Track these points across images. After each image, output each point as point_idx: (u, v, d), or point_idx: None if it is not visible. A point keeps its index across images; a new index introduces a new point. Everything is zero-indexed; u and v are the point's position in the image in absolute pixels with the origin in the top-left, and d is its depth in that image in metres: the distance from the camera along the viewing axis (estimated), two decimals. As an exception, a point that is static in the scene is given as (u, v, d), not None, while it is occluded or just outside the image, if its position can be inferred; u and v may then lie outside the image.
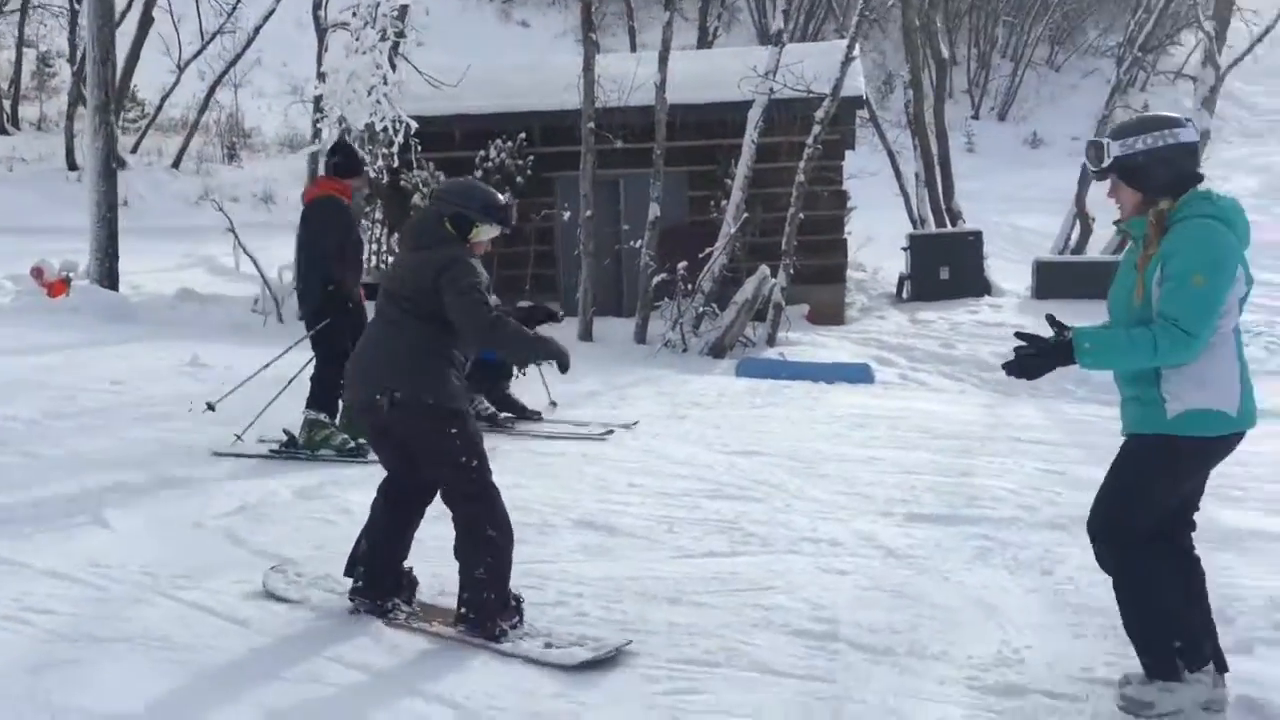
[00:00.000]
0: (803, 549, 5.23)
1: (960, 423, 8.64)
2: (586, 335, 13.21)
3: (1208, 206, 3.41)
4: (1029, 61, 35.30)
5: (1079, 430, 8.72)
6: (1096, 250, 18.49)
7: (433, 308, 3.99)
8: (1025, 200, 27.52)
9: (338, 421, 7.04)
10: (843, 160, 15.94)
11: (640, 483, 6.42)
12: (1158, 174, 3.44)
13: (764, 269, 13.13)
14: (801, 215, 13.81)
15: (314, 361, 7.17)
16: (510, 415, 8.18)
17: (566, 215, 14.52)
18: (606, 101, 13.83)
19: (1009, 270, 19.37)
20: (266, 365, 7.69)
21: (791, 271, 13.77)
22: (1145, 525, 3.51)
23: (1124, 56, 17.66)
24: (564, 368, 4.20)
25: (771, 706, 3.60)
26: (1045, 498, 6.28)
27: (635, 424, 8.10)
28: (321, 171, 8.66)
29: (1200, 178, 3.49)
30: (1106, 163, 3.50)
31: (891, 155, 19.44)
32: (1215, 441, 3.43)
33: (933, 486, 6.44)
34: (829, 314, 15.28)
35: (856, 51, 14.24)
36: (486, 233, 4.21)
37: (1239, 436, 3.47)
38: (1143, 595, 3.53)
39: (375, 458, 6.74)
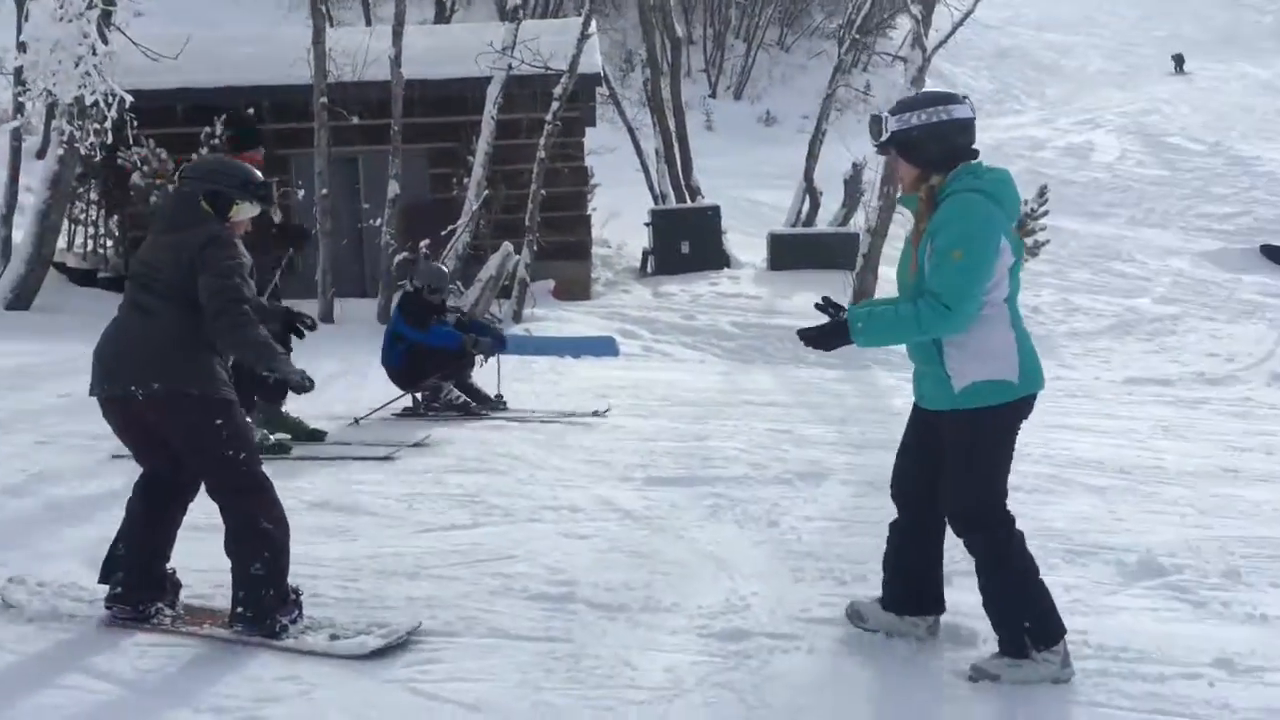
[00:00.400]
0: (544, 517, 5.32)
1: (698, 390, 8.99)
2: (327, 317, 12.85)
3: (973, 181, 3.48)
4: (761, 42, 36.64)
5: (806, 392, 9.26)
6: (825, 223, 19.50)
7: (193, 292, 3.74)
8: (761, 176, 28.63)
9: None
10: (583, 137, 16.14)
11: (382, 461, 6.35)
12: (931, 149, 3.51)
13: (507, 245, 13.17)
14: (543, 192, 13.91)
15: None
16: (479, 404, 7.92)
17: (301, 194, 14.06)
18: (340, 76, 13.46)
19: (746, 243, 20.16)
20: None
21: (535, 248, 13.85)
22: (994, 501, 3.59)
23: (844, 39, 18.70)
24: (298, 390, 4.01)
25: (508, 669, 3.66)
26: (774, 455, 6.63)
27: (608, 410, 7.86)
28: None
29: (974, 153, 3.55)
30: (884, 137, 3.56)
31: (632, 132, 19.81)
32: (1007, 408, 3.53)
33: (670, 451, 6.67)
34: (575, 289, 15.48)
35: (593, 28, 14.43)
36: (246, 211, 3.99)
37: (1030, 400, 3.58)
38: (1001, 575, 3.62)
39: (298, 454, 6.47)
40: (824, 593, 4.39)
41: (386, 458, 6.40)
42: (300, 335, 4.46)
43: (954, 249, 3.39)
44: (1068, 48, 43.73)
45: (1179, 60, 40.28)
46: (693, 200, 19.17)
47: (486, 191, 13.83)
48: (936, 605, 3.91)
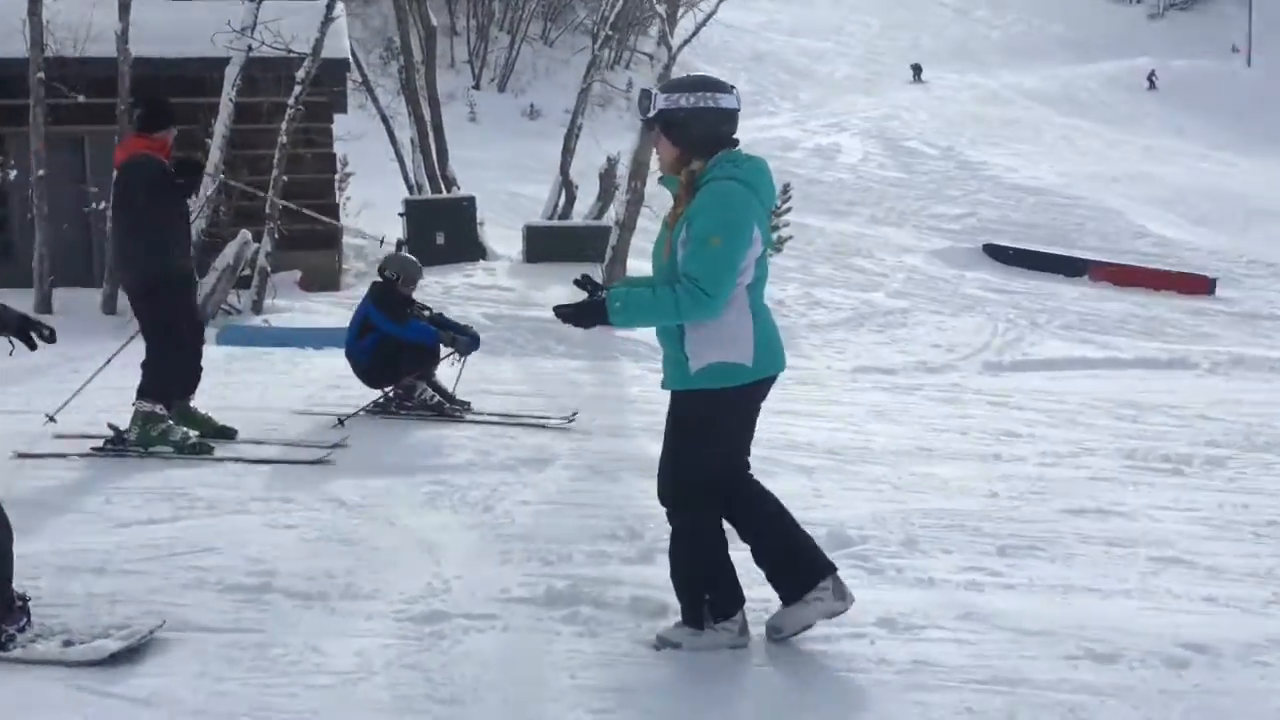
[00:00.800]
0: (251, 509, 5.20)
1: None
2: (45, 306, 12.04)
3: (732, 169, 3.53)
4: (524, 35, 36.70)
5: (545, 381, 9.38)
6: (580, 217, 19.75)
7: None
8: (523, 169, 28.70)
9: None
10: (331, 123, 15.73)
11: (78, 455, 6.02)
12: (695, 132, 3.54)
13: (245, 234, 12.70)
14: (285, 178, 13.49)
15: (143, 344, 6.18)
16: (452, 405, 7.54)
17: (13, 174, 13.11)
18: (59, 50, 12.61)
19: (506, 236, 20.18)
20: (107, 362, 6.63)
21: (277, 236, 13.42)
22: (702, 480, 3.68)
23: (598, 34, 18.95)
24: None
25: (189, 661, 3.57)
26: (501, 443, 6.69)
27: (576, 414, 7.56)
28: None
29: (735, 143, 3.60)
30: (652, 113, 3.58)
31: (385, 120, 19.48)
32: (738, 391, 3.59)
33: (395, 441, 6.64)
34: (323, 280, 15.09)
35: (339, 12, 14.09)
36: None
37: (765, 383, 3.66)
38: (691, 551, 3.74)
39: (225, 454, 6.06)
40: (527, 573, 4.48)
41: (319, 461, 6.09)
42: (32, 346, 4.12)
43: (712, 235, 3.44)
44: (819, 54, 45.87)
45: (917, 69, 42.96)
46: (449, 191, 19.02)
47: (222, 176, 13.28)
48: (824, 567, 3.84)
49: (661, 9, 13.92)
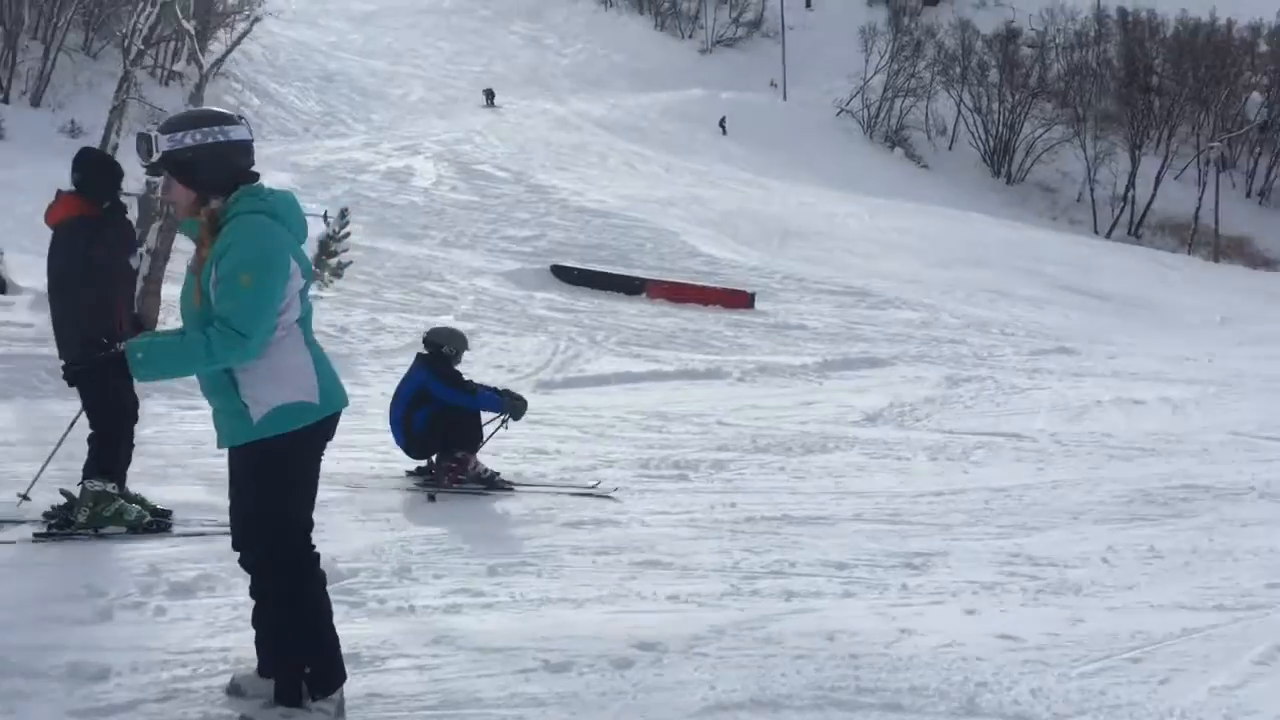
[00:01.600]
0: None
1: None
2: None
3: (256, 203, 3.37)
4: (62, 45, 33.59)
5: (44, 429, 8.52)
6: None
7: None
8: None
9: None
10: None
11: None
12: (209, 170, 3.34)
13: None
14: None
15: (88, 417, 5.67)
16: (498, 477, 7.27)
17: None
18: None
19: (35, 265, 18.30)
20: (59, 443, 5.95)
21: None
22: (291, 542, 3.43)
23: (130, 48, 17.59)
24: None
25: None
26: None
27: (609, 487, 7.30)
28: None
29: (255, 176, 3.44)
30: (155, 157, 3.33)
31: (-128, 137, 17.03)
32: (308, 431, 3.41)
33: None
34: None
35: None
36: None
37: (331, 420, 3.50)
38: (290, 617, 3.44)
39: (182, 529, 5.48)
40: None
41: None
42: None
43: (242, 273, 3.25)
44: (391, 76, 45.64)
45: (490, 94, 43.89)
46: (-42, 217, 16.93)
47: None
48: (342, 674, 3.60)
49: (190, 26, 13.16)
